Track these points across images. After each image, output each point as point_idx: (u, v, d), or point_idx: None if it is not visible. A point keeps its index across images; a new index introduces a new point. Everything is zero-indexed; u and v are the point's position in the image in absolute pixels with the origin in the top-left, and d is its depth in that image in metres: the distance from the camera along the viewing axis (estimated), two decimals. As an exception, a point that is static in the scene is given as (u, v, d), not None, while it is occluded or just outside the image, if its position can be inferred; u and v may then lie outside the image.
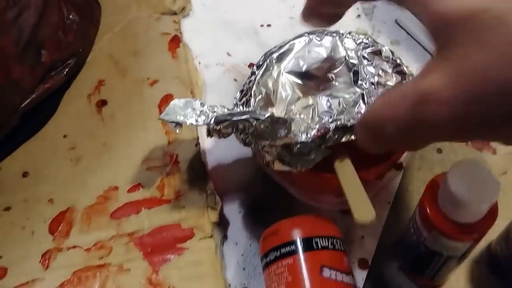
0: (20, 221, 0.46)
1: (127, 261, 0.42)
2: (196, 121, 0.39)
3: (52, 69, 0.53)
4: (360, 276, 0.43)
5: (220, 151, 0.50)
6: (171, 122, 0.40)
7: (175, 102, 0.41)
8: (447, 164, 0.49)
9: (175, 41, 0.58)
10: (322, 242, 0.38)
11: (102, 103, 0.54)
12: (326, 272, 0.36)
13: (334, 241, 0.38)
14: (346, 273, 0.37)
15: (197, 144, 0.48)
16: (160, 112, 0.51)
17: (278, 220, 0.40)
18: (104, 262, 0.43)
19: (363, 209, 0.34)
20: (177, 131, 0.40)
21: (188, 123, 0.39)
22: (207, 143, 0.51)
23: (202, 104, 0.40)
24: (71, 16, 0.55)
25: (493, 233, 0.42)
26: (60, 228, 0.45)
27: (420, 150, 0.50)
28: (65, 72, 0.54)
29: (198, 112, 0.40)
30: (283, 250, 0.38)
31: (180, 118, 0.40)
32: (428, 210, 0.36)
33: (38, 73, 0.50)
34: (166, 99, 0.52)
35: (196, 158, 0.47)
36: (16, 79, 0.47)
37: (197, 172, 0.47)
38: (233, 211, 0.47)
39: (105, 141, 0.51)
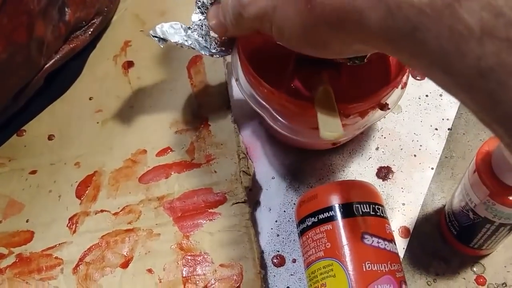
0: (47, 185, 0.45)
1: (156, 226, 0.41)
2: (182, 44, 0.40)
3: (76, 29, 0.51)
4: (401, 245, 0.41)
5: (253, 113, 0.48)
6: (155, 37, 0.39)
7: (161, 28, 0.40)
8: (494, 129, 0.46)
9: (204, 0, 0.55)
10: (363, 208, 0.36)
11: (129, 64, 0.52)
12: (368, 239, 0.34)
13: (376, 207, 0.36)
14: (389, 240, 0.35)
15: (229, 106, 0.46)
16: (190, 75, 0.49)
17: (313, 186, 0.38)
18: (133, 227, 0.41)
19: (330, 124, 0.33)
20: (161, 45, 0.40)
21: (173, 42, 0.39)
22: (239, 105, 0.48)
23: (186, 30, 0.40)
24: (95, -26, 0.52)
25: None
26: (87, 191, 0.44)
27: (466, 114, 0.47)
28: (89, 32, 0.52)
29: (185, 37, 0.40)
30: (321, 216, 0.36)
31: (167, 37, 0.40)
32: (481, 175, 0.33)
33: (62, 32, 0.48)
34: (195, 61, 0.50)
35: (228, 121, 0.45)
36: (40, 37, 0.45)
37: (229, 136, 0.44)
38: (267, 176, 0.45)
39: (132, 103, 0.49)
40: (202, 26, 0.41)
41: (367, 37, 0.24)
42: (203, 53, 0.40)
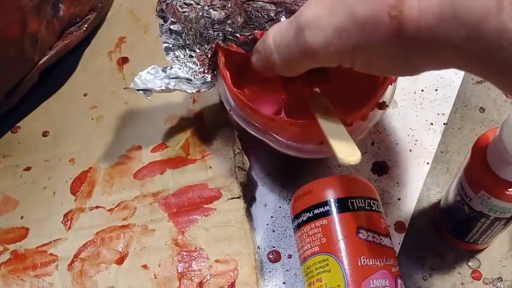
0: (41, 181, 0.45)
1: (151, 222, 0.41)
2: (167, 88, 0.40)
3: (70, 25, 0.51)
4: (397, 240, 0.41)
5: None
6: (139, 90, 0.39)
7: (140, 77, 0.40)
8: (489, 123, 0.46)
9: (199, -5, 0.55)
10: (358, 202, 0.36)
11: (123, 60, 0.52)
12: (363, 234, 0.34)
13: (371, 202, 0.36)
14: (384, 235, 0.35)
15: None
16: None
17: (309, 182, 0.37)
18: (128, 223, 0.41)
19: (346, 148, 0.32)
20: (148, 97, 0.40)
21: (158, 89, 0.40)
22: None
23: (164, 70, 0.41)
24: (89, -31, 0.52)
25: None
26: (82, 188, 0.44)
27: (462, 109, 0.47)
28: (84, 28, 0.51)
29: (167, 80, 0.40)
30: (316, 211, 0.36)
31: (149, 86, 0.40)
32: (476, 168, 0.33)
33: (56, 28, 0.48)
34: (190, 56, 0.50)
35: (223, 116, 0.45)
36: (33, 33, 0.45)
37: (224, 131, 0.44)
38: (262, 172, 0.45)
39: (127, 99, 0.49)
40: (178, 57, 0.41)
41: (458, 60, 0.24)
42: (189, 91, 0.40)
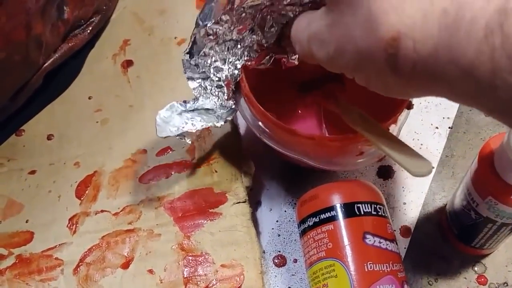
0: (46, 185, 0.45)
1: (157, 226, 0.41)
2: (193, 124, 0.39)
3: (75, 27, 0.50)
4: (402, 244, 0.41)
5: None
6: (176, 136, 0.38)
7: (159, 116, 0.38)
8: (494, 127, 0.46)
9: (203, -2, 0.55)
10: (365, 207, 0.36)
11: (128, 63, 0.52)
12: (369, 239, 0.34)
13: (377, 207, 0.36)
14: (390, 240, 0.35)
15: (228, 105, 0.46)
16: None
17: (314, 186, 0.37)
18: (134, 227, 0.41)
19: (416, 162, 0.32)
20: (188, 141, 0.39)
21: (186, 129, 0.38)
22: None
23: (182, 104, 0.39)
24: (94, -28, 0.52)
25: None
26: (87, 192, 0.44)
27: (467, 113, 0.47)
28: (88, 31, 0.51)
29: (188, 115, 0.39)
30: (322, 216, 0.36)
31: (175, 130, 0.38)
32: (483, 174, 0.33)
33: (60, 30, 0.48)
34: (195, 59, 0.50)
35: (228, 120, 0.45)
36: (38, 36, 0.45)
37: (229, 135, 0.44)
38: (267, 176, 0.45)
39: (132, 102, 0.49)
40: (205, 88, 0.40)
41: (453, 95, 0.25)
42: (218, 125, 0.39)
